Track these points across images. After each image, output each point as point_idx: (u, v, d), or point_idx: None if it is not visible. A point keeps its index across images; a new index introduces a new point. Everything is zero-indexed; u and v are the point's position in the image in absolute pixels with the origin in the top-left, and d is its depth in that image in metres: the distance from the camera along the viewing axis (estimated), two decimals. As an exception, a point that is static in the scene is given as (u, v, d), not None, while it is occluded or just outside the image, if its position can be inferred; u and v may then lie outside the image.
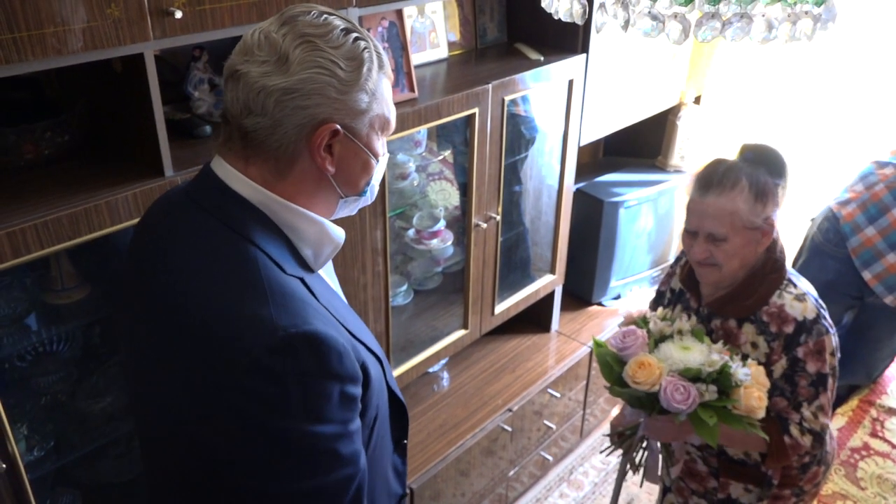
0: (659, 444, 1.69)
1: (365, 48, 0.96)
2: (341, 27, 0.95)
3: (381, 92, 0.99)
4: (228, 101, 0.96)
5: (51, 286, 1.56)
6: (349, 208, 1.09)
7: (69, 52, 1.25)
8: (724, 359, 1.48)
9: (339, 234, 1.05)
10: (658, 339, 1.56)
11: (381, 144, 1.04)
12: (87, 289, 1.59)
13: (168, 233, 1.02)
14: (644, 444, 1.71)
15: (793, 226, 2.87)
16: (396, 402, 1.18)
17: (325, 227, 1.02)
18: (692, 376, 1.47)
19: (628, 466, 1.75)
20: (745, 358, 1.55)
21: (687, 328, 1.57)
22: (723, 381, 1.46)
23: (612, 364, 1.56)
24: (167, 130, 1.47)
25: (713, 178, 1.55)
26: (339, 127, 0.95)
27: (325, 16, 0.96)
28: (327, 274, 1.14)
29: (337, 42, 0.93)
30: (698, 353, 1.50)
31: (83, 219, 1.36)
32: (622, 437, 1.73)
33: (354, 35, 0.96)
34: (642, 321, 1.61)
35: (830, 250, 2.47)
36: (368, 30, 1.95)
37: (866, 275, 2.41)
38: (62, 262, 1.54)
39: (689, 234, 1.60)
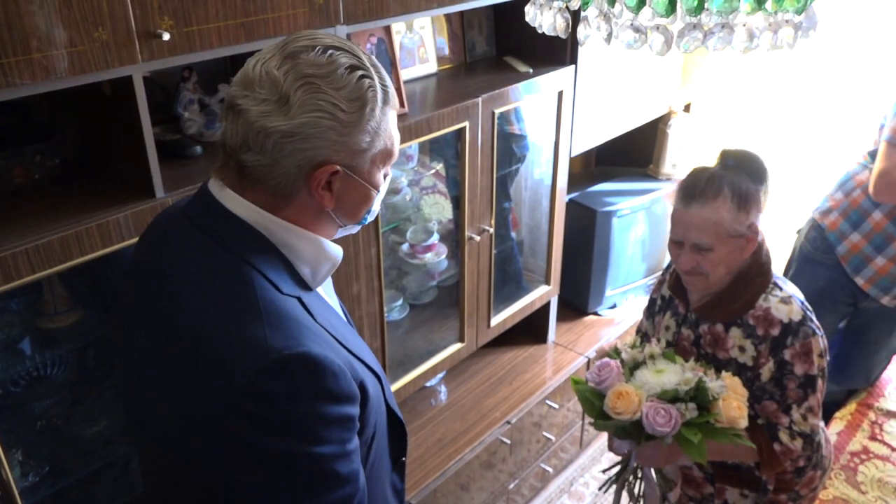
0: (653, 472, 1.69)
1: (370, 87, 0.94)
2: (346, 65, 0.92)
3: (384, 127, 0.98)
4: (228, 132, 0.95)
5: (44, 310, 1.56)
6: (348, 231, 1.09)
7: (57, 77, 1.26)
8: (697, 375, 1.50)
9: (337, 251, 1.05)
10: (632, 367, 1.57)
11: (382, 175, 1.03)
12: (81, 312, 1.58)
13: (166, 254, 1.02)
14: (639, 475, 1.71)
15: (780, 237, 2.88)
16: (395, 420, 1.17)
17: (322, 245, 1.02)
18: (670, 397, 1.48)
19: (628, 500, 1.75)
20: (719, 371, 1.57)
21: (657, 351, 1.59)
22: (700, 396, 1.48)
23: (592, 399, 1.58)
24: (158, 151, 1.47)
25: (696, 189, 1.56)
26: (339, 168, 0.94)
27: (331, 52, 0.93)
28: (326, 291, 1.14)
29: (340, 83, 0.91)
30: (672, 374, 1.51)
31: (74, 242, 1.36)
32: (618, 462, 1.74)
33: (360, 73, 0.93)
34: (614, 352, 1.63)
35: (820, 258, 2.48)
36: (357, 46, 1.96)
37: (859, 280, 2.42)
38: (54, 285, 1.53)
39: (676, 244, 1.61)
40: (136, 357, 1.04)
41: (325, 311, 1.02)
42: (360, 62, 0.94)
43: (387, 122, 0.98)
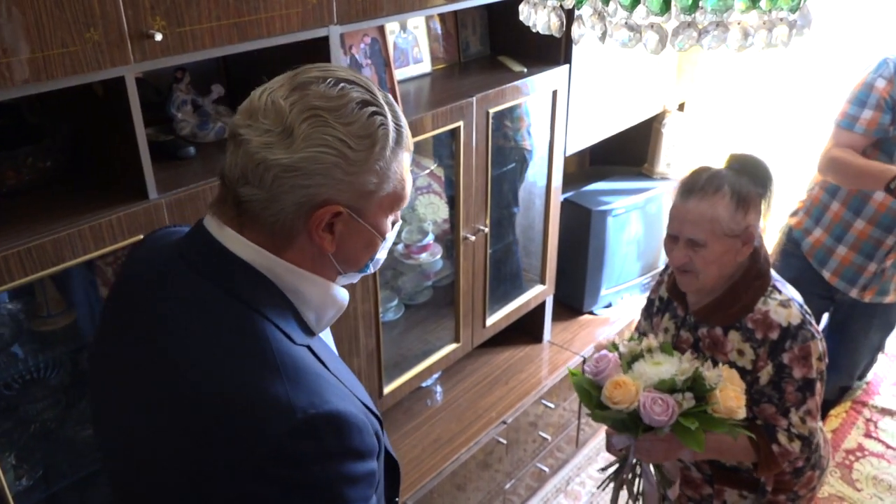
0: (653, 469, 1.69)
1: (381, 124, 0.88)
2: (358, 100, 0.87)
3: (395, 169, 0.92)
4: (227, 163, 0.89)
5: (37, 313, 1.55)
6: (349, 280, 1.03)
7: (49, 78, 1.25)
8: (694, 365, 1.50)
9: (344, 296, 0.99)
10: (630, 360, 1.57)
11: (390, 221, 0.97)
12: (74, 314, 1.58)
13: (164, 299, 0.94)
14: (638, 472, 1.71)
15: (771, 235, 2.88)
16: (390, 461, 1.12)
17: (329, 288, 0.96)
18: (668, 388, 1.48)
19: (627, 498, 1.75)
20: (716, 363, 1.57)
21: (655, 345, 1.59)
22: (697, 386, 1.48)
23: (589, 390, 1.58)
24: (151, 152, 1.46)
25: (696, 184, 1.57)
26: (342, 209, 0.89)
27: (343, 84, 0.87)
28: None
29: (350, 118, 0.86)
30: (670, 365, 1.52)
31: (67, 244, 1.35)
32: (616, 461, 1.74)
33: (372, 109, 0.88)
34: (612, 346, 1.63)
35: (792, 250, 2.58)
36: (351, 47, 1.96)
37: (825, 274, 2.49)
38: (47, 288, 1.52)
39: (671, 239, 1.61)
40: (121, 400, 0.96)
41: (331, 357, 0.98)
42: (373, 98, 0.89)
43: (398, 165, 0.92)
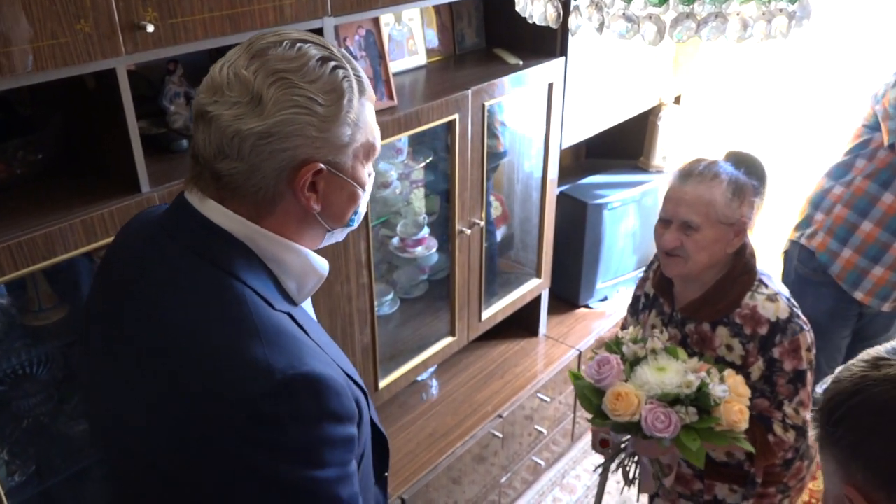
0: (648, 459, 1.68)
1: (344, 77, 0.91)
2: (317, 56, 0.89)
3: (364, 118, 0.94)
4: (199, 142, 0.91)
5: (28, 307, 1.53)
6: (335, 238, 1.05)
7: (39, 70, 1.23)
8: (700, 377, 1.46)
9: (323, 265, 1.01)
10: (633, 362, 1.54)
11: (366, 171, 0.99)
12: (66, 309, 1.56)
13: (146, 271, 0.96)
14: (635, 458, 1.71)
15: (774, 233, 2.84)
16: (378, 436, 1.14)
17: (309, 258, 0.98)
18: (671, 400, 1.46)
19: (623, 482, 1.74)
20: (720, 364, 1.54)
21: (660, 346, 1.55)
22: (702, 400, 1.45)
23: (590, 397, 1.55)
24: (143, 145, 1.45)
25: (694, 170, 1.58)
26: (322, 165, 0.91)
27: (299, 45, 0.89)
28: (305, 303, 1.10)
29: (314, 75, 0.88)
30: (674, 374, 1.48)
31: (58, 238, 1.33)
32: (605, 443, 1.73)
33: (333, 64, 0.90)
34: (615, 344, 1.60)
35: (820, 278, 2.40)
36: (345, 39, 1.94)
37: (858, 295, 2.36)
38: (39, 282, 1.51)
39: (663, 223, 1.61)
40: (107, 373, 0.98)
41: (313, 326, 0.99)
42: (331, 53, 0.91)
43: (365, 115, 0.95)
